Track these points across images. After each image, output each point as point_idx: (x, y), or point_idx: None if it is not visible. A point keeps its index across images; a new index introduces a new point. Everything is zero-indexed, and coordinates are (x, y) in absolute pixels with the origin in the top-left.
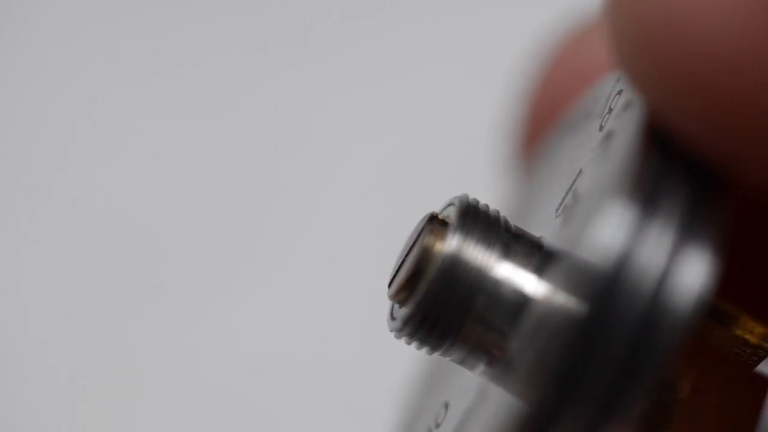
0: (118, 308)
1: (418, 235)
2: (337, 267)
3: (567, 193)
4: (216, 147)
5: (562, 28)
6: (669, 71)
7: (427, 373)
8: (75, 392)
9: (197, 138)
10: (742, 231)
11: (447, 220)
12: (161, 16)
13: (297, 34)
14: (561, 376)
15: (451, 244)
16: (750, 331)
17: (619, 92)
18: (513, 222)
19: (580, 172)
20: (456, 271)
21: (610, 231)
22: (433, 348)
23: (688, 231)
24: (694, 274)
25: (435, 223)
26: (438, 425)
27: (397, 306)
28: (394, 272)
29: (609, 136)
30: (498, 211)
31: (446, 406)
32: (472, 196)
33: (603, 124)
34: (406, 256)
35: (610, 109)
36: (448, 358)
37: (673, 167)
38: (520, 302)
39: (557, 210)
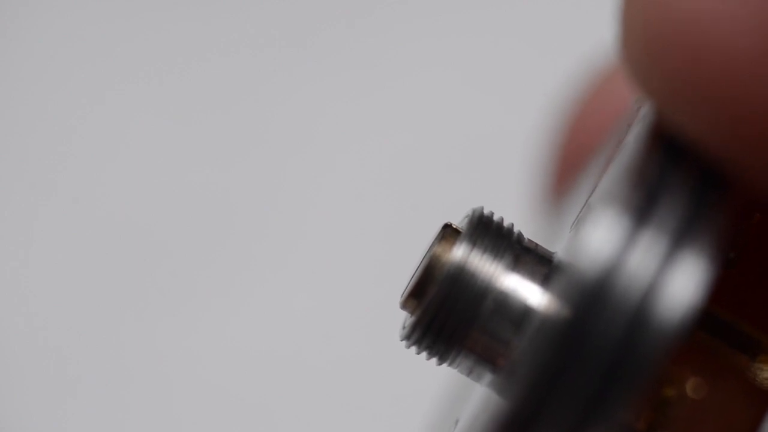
0: (119, 307)
1: (431, 245)
2: (339, 267)
3: (582, 208)
4: (218, 147)
5: (588, 70)
6: (679, 76)
7: (450, 395)
8: (75, 392)
9: (199, 138)
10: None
11: (460, 230)
12: (163, 16)
13: (300, 35)
14: (542, 379)
15: (458, 252)
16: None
17: (638, 108)
18: (542, 245)
19: (596, 185)
20: (463, 280)
21: (600, 238)
22: (441, 357)
23: (683, 239)
24: (684, 282)
25: (447, 233)
26: None
27: (409, 315)
28: (408, 282)
29: (622, 147)
30: (512, 224)
31: (456, 422)
32: (486, 203)
33: (621, 140)
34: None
35: (629, 125)
36: (456, 369)
37: (675, 174)
38: (524, 312)
39: (572, 224)
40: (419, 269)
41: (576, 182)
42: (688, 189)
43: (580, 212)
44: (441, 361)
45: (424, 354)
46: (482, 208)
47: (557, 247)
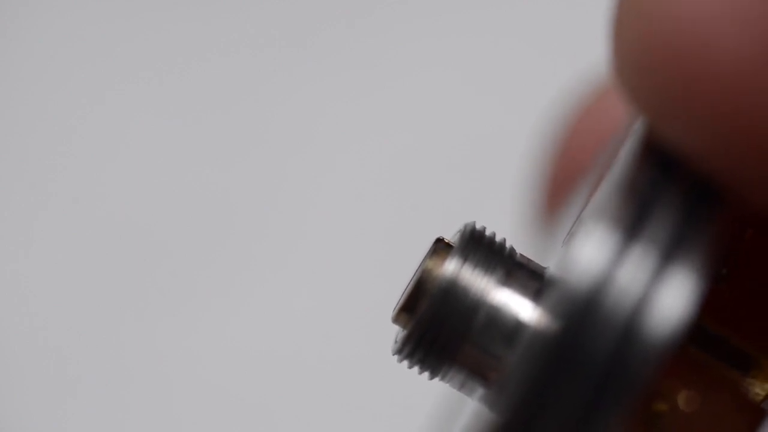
0: (119, 307)
1: (423, 259)
2: (339, 267)
3: (574, 222)
4: (217, 147)
5: (581, 87)
6: (671, 89)
7: (444, 409)
8: (74, 392)
9: (199, 138)
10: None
11: (452, 244)
12: (162, 16)
13: (300, 35)
14: (532, 393)
15: (450, 267)
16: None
17: (630, 124)
18: (535, 259)
19: (588, 200)
20: (454, 294)
21: (590, 252)
22: (433, 371)
23: (674, 254)
24: (674, 296)
25: (439, 247)
26: None
27: (401, 330)
28: (400, 296)
29: (614, 163)
30: (504, 239)
31: None
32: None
33: (613, 155)
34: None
35: (621, 141)
36: (448, 383)
37: (666, 188)
38: (516, 327)
39: (564, 239)
40: (411, 283)
41: (568, 198)
42: (680, 203)
43: (571, 227)
44: (433, 375)
45: (416, 368)
46: (474, 223)
47: (549, 262)
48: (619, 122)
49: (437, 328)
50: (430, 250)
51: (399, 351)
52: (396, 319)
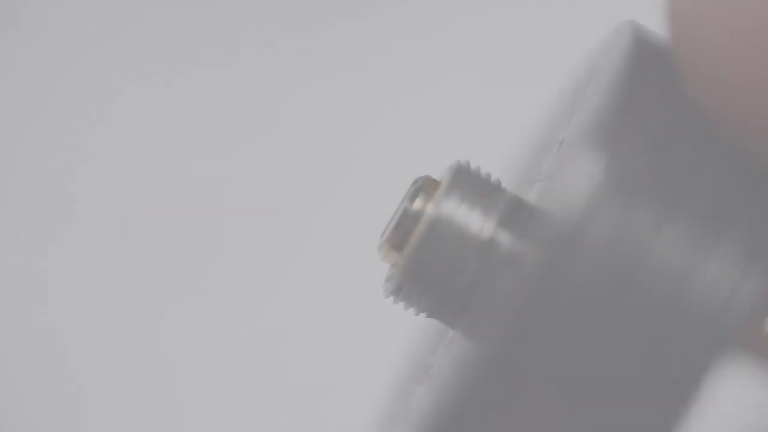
0: (129, 310)
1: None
2: (351, 271)
3: (558, 145)
4: (226, 144)
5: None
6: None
7: (420, 343)
8: (82, 397)
9: (209, 138)
10: None
11: (438, 180)
12: (167, 15)
13: (304, 33)
14: (508, 319)
15: (441, 202)
16: None
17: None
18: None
19: (569, 123)
20: (447, 229)
21: (576, 188)
22: (418, 300)
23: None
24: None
25: (426, 182)
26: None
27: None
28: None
29: (599, 83)
30: (489, 173)
31: (430, 366)
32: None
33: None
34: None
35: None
36: (432, 317)
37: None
38: (495, 255)
39: (550, 156)
40: (396, 218)
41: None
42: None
43: (555, 149)
44: (430, 314)
45: (411, 309)
46: (462, 160)
47: (535, 188)
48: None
49: (434, 265)
50: (416, 186)
51: (396, 291)
52: (385, 256)
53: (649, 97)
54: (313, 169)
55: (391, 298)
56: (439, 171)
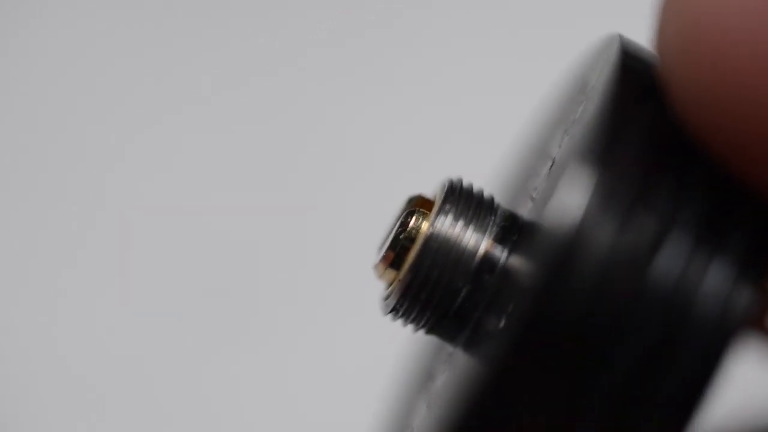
0: (132, 323)
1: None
2: (353, 288)
3: (552, 165)
4: (221, 169)
5: None
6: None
7: (419, 354)
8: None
9: (202, 160)
10: None
11: (432, 199)
12: (186, 33)
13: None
14: (517, 337)
15: (436, 220)
16: None
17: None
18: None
19: (563, 143)
20: (444, 247)
21: (569, 203)
22: (417, 317)
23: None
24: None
25: (420, 201)
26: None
27: (387, 286)
28: (381, 248)
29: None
30: (482, 189)
31: (431, 377)
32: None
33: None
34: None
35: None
36: (431, 334)
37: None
38: (492, 271)
39: (543, 177)
40: (391, 238)
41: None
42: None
43: (549, 169)
44: (417, 324)
45: (401, 318)
46: (455, 177)
47: (527, 206)
48: None
49: (430, 282)
50: (409, 205)
51: (393, 309)
52: (381, 275)
53: (640, 116)
54: (309, 188)
55: (390, 316)
56: (435, 187)
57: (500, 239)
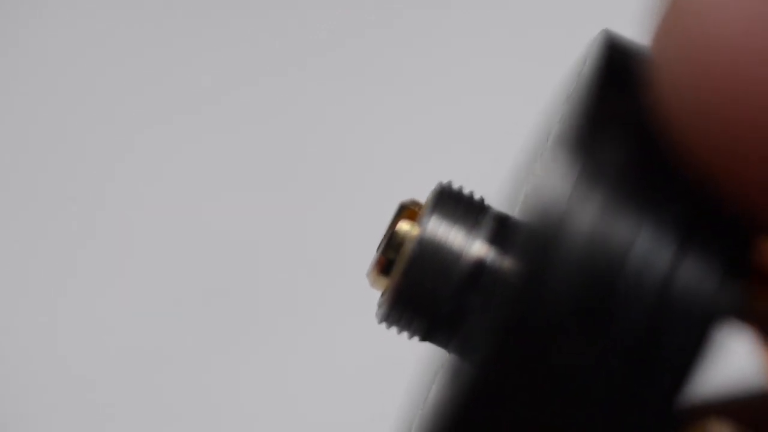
0: (133, 325)
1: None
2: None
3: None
4: (215, 173)
5: None
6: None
7: (427, 370)
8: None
9: (196, 162)
10: None
11: (422, 204)
12: (186, 37)
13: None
14: (500, 337)
15: (425, 225)
16: None
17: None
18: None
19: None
20: (433, 252)
21: (551, 196)
22: (409, 324)
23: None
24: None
25: (410, 206)
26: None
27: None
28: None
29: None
30: (473, 191)
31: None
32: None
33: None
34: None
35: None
36: (425, 340)
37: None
38: (482, 274)
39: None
40: (383, 244)
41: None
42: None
43: (533, 169)
44: (412, 330)
45: (394, 326)
46: (445, 181)
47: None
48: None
49: (422, 288)
50: (400, 210)
51: (387, 316)
52: (374, 282)
53: (622, 106)
54: (310, 188)
55: (384, 324)
56: (429, 192)
57: (491, 241)
